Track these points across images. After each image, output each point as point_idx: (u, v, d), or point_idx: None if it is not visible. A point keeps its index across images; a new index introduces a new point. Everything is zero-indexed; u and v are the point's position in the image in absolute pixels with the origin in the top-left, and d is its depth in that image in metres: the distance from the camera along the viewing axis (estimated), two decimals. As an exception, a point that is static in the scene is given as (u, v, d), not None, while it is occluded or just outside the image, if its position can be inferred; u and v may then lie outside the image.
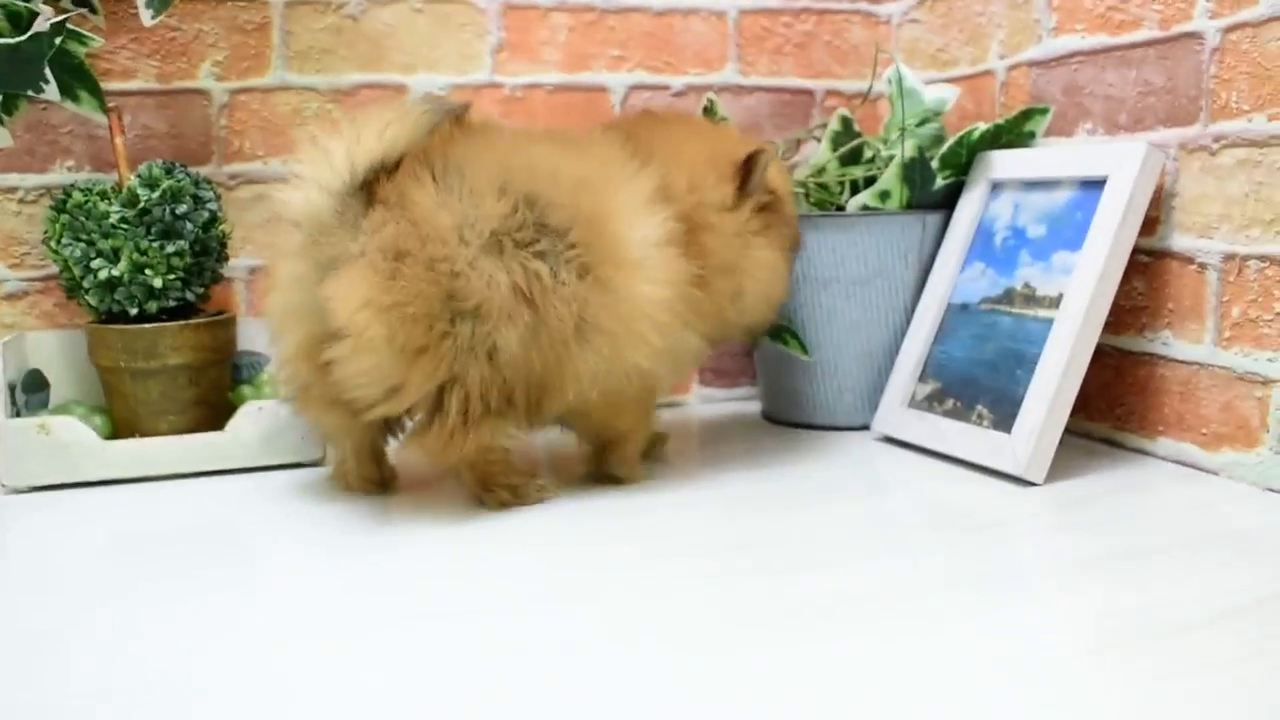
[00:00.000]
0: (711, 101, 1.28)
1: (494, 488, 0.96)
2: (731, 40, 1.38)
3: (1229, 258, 0.98)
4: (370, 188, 0.88)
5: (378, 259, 0.86)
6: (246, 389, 1.23)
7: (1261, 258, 0.95)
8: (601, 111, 1.34)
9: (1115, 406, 1.11)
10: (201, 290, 1.14)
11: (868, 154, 1.25)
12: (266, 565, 0.85)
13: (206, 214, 1.12)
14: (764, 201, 1.03)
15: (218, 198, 1.15)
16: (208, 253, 1.13)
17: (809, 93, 1.43)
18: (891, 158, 1.20)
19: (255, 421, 1.12)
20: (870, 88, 1.35)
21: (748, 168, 1.02)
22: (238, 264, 1.25)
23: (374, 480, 1.03)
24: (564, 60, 1.33)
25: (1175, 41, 1.02)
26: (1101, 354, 1.11)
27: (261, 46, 1.24)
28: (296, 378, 0.97)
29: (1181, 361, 1.03)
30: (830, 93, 1.43)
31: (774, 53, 1.40)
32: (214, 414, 1.15)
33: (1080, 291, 1.00)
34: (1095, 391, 1.13)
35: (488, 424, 0.90)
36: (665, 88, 1.36)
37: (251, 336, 1.23)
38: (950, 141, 1.18)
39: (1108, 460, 1.06)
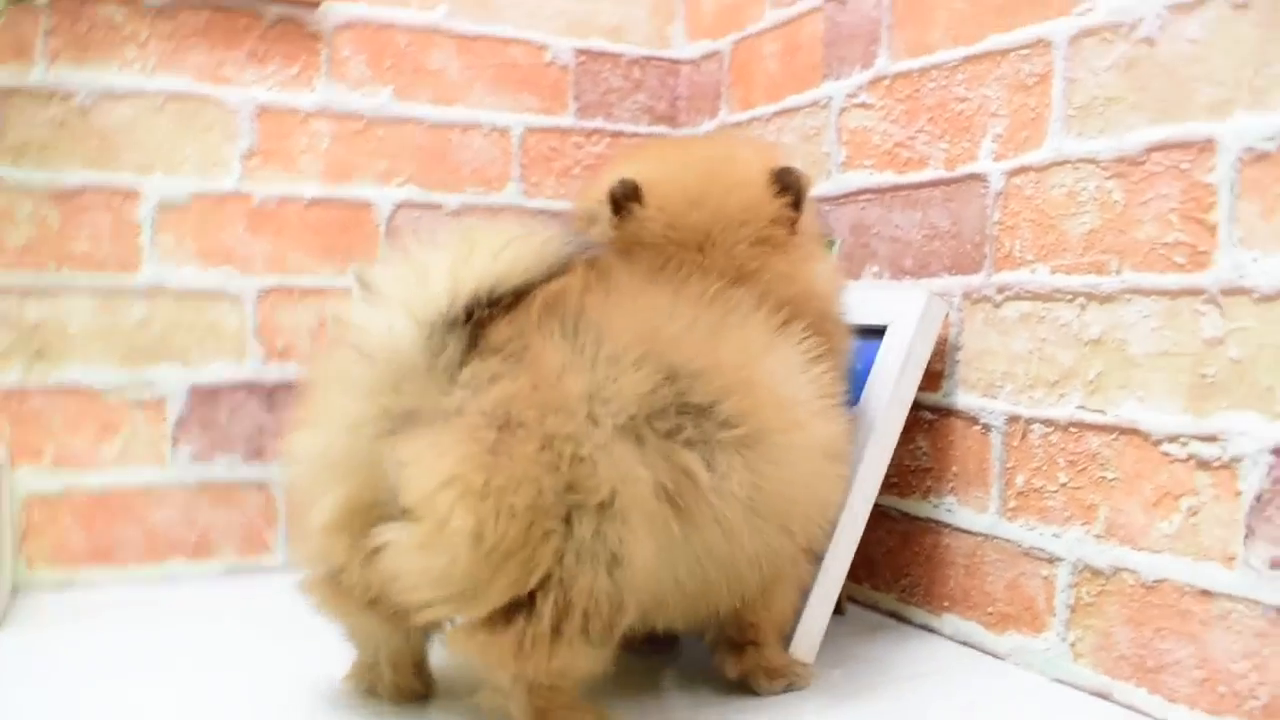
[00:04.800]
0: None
1: None
2: (515, 159, 1.28)
3: (1013, 420, 0.89)
4: (478, 325, 0.69)
5: (479, 424, 0.66)
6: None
7: (1045, 422, 0.86)
8: (366, 229, 1.21)
9: (900, 576, 1.01)
10: None
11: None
12: None
13: None
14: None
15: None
16: None
17: (602, 218, 1.33)
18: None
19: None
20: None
21: (795, 203, 0.84)
22: (-78, 384, 1.07)
23: (413, 691, 0.80)
24: (325, 170, 1.20)
25: (960, 183, 0.95)
26: (887, 517, 1.01)
27: (-31, 138, 1.09)
28: (325, 557, 0.74)
29: (966, 531, 0.94)
30: (626, 219, 1.34)
31: (562, 174, 1.30)
32: None
33: (856, 451, 0.90)
34: (881, 559, 1.03)
35: (582, 648, 0.68)
36: (439, 206, 1.25)
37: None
38: (735, 278, 1.09)
39: (890, 638, 0.95)
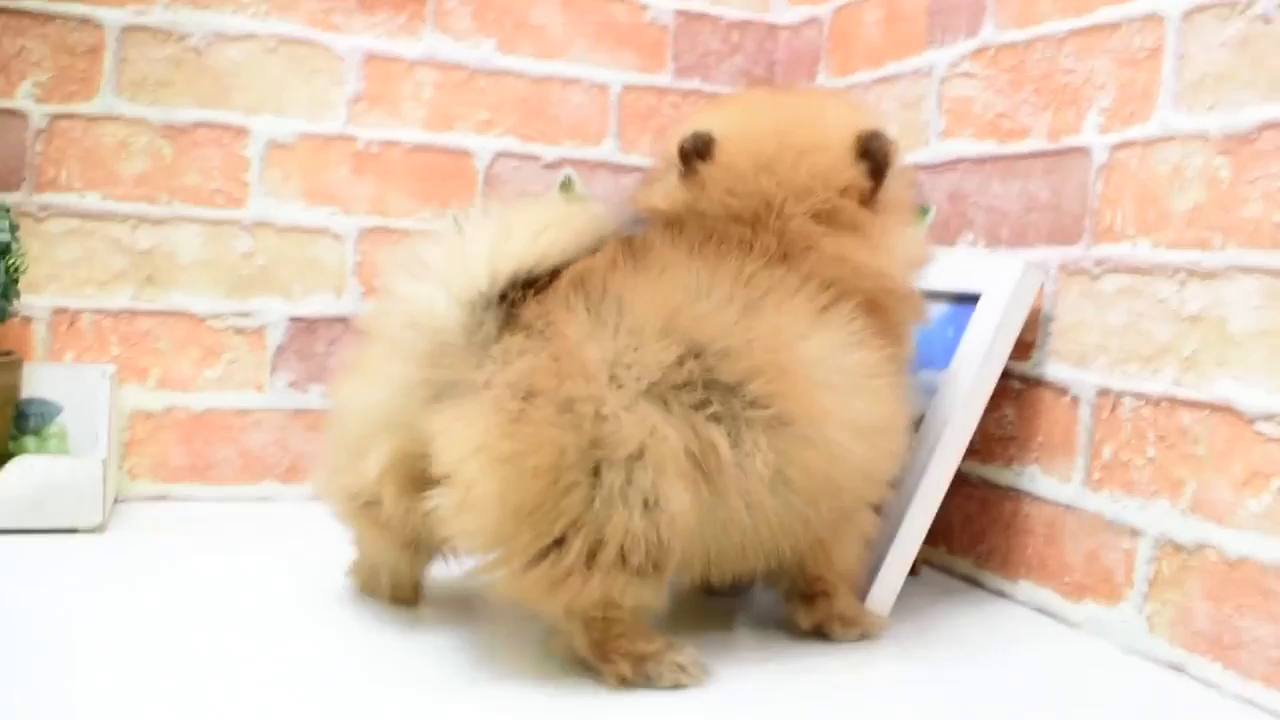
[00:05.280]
0: (569, 178, 1.19)
1: (613, 656, 0.73)
2: (613, 115, 1.30)
3: (1103, 392, 0.90)
4: (512, 303, 0.72)
5: (504, 396, 0.69)
6: (30, 440, 1.10)
7: (1137, 395, 0.87)
8: (465, 177, 1.24)
9: (977, 542, 1.02)
10: (-20, 328, 1.01)
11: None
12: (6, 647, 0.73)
13: (-4, 245, 1.00)
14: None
15: (15, 228, 1.03)
16: (-7, 288, 1.01)
17: (694, 178, 1.34)
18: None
19: (27, 477, 0.99)
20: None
21: (876, 170, 0.83)
22: (38, 302, 1.12)
23: (406, 601, 0.88)
24: (427, 118, 1.23)
25: (1063, 155, 0.95)
26: (967, 483, 1.02)
27: (91, 71, 1.13)
28: (370, 490, 0.79)
29: (1047, 500, 0.94)
30: (717, 180, 1.35)
31: (658, 133, 1.31)
32: (-17, 467, 1.02)
33: (941, 416, 0.91)
34: (959, 524, 1.04)
35: (620, 577, 0.70)
36: (536, 158, 1.27)
37: (47, 382, 1.10)
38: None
39: (964, 601, 0.97)
